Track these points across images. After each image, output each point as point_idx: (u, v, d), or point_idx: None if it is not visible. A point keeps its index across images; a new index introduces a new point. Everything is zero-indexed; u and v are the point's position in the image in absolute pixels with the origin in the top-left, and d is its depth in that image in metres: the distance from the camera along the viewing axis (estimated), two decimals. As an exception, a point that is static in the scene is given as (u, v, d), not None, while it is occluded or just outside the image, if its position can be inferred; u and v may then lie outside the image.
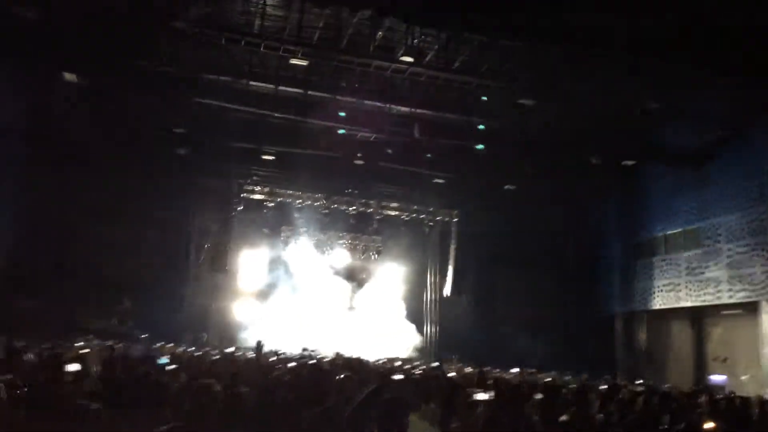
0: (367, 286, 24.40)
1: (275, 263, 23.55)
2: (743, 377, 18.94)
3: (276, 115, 17.96)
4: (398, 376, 9.11)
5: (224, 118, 18.70)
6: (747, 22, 14.22)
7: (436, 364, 15.36)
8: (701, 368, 20.21)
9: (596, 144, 19.21)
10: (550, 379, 13.10)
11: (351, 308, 24.12)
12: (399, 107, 17.61)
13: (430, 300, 24.54)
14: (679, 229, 20.30)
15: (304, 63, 15.87)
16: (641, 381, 15.81)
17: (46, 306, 18.74)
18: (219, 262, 22.01)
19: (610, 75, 15.71)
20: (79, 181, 19.06)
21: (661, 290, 20.77)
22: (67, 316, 18.68)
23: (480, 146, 18.47)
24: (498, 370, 15.84)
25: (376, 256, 24.47)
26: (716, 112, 17.81)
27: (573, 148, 19.38)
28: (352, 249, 24.56)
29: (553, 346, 21.04)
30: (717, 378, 19.84)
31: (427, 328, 24.23)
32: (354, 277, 24.38)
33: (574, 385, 9.79)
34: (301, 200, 23.27)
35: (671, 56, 14.93)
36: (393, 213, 24.05)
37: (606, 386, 10.27)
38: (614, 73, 15.74)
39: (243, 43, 15.66)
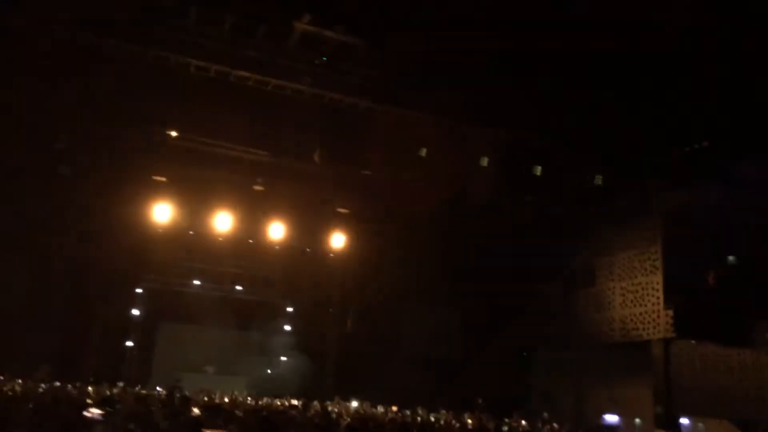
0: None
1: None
2: (636, 419, 18.99)
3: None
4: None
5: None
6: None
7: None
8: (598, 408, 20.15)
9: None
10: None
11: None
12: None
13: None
14: (578, 266, 20.33)
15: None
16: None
17: None
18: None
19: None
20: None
21: (558, 329, 20.65)
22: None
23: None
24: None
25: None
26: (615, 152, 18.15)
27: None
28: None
29: (453, 383, 20.48)
30: (610, 419, 19.82)
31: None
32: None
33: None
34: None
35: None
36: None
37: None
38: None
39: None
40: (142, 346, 22.61)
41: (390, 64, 14.97)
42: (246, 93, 15.41)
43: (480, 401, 11.46)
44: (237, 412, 9.13)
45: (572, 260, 20.50)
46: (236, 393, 17.48)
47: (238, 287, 23.91)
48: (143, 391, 15.90)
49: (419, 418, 13.48)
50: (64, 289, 19.92)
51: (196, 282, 23.32)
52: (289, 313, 24.57)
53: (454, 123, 17.10)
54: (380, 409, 16.31)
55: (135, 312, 22.80)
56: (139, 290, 22.89)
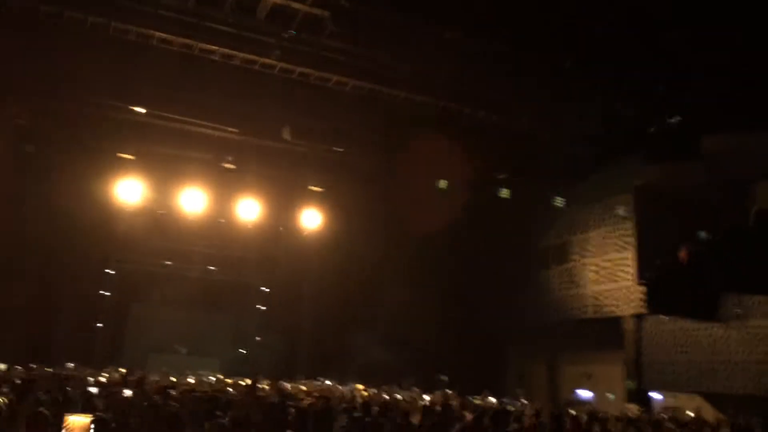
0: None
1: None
2: (608, 394, 19.09)
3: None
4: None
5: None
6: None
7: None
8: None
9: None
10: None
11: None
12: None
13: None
14: (551, 244, 20.29)
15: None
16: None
17: None
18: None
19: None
20: None
21: (529, 308, 20.67)
22: None
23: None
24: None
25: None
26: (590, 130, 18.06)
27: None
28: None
29: (425, 363, 20.46)
30: (583, 394, 19.93)
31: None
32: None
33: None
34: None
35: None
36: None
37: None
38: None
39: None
40: (112, 327, 22.31)
41: (361, 36, 14.63)
42: (212, 67, 15.01)
43: (443, 378, 11.27)
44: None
45: (546, 238, 20.46)
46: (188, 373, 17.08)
47: (211, 267, 23.64)
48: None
49: (384, 396, 13.34)
50: (31, 269, 19.47)
51: (168, 262, 22.99)
52: (263, 293, 24.39)
53: (428, 99, 16.82)
54: (344, 387, 16.20)
55: (105, 293, 22.47)
56: (109, 271, 22.56)
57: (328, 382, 17.20)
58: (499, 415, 7.41)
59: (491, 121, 17.77)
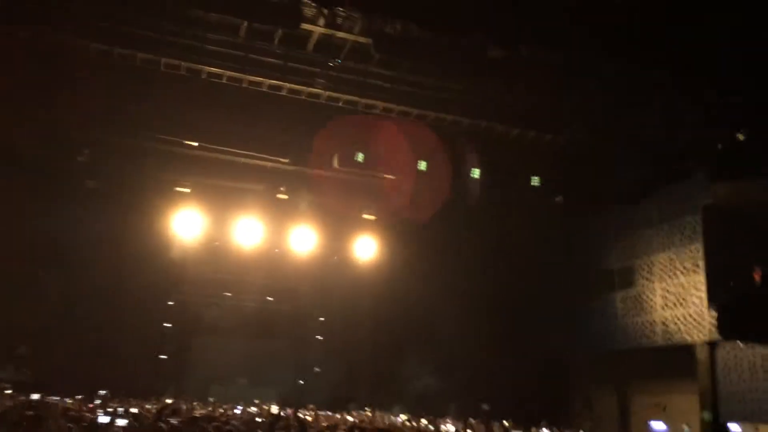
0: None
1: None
2: (684, 426, 17.93)
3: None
4: None
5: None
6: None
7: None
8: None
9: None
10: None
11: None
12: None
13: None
14: (615, 268, 19.38)
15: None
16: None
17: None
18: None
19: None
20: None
21: (594, 334, 19.73)
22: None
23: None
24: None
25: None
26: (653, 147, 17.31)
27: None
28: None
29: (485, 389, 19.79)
30: (657, 426, 18.80)
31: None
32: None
33: None
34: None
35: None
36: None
37: None
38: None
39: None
40: (174, 359, 22.58)
41: (406, 61, 14.48)
42: (260, 99, 15.12)
43: (484, 407, 10.61)
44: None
45: (610, 261, 19.55)
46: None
47: (269, 298, 23.71)
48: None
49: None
50: (94, 303, 19.95)
51: (227, 294, 23.20)
52: (321, 322, 24.26)
53: (481, 124, 16.46)
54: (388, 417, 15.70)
55: (167, 324, 22.83)
56: (171, 303, 22.93)
57: (368, 412, 16.79)
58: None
59: (544, 141, 17.25)
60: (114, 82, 15.72)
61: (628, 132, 16.66)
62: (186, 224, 19.24)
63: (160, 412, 9.39)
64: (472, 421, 13.80)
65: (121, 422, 6.20)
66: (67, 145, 17.44)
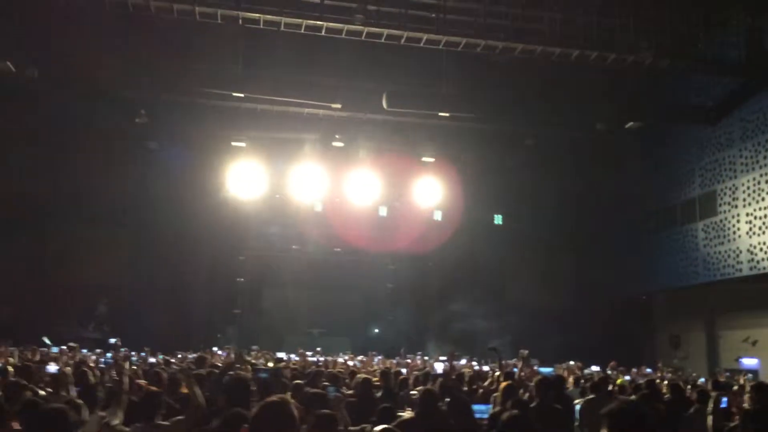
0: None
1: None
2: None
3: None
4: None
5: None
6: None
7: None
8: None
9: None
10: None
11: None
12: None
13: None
14: (696, 195, 17.97)
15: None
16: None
17: (20, 312, 18.08)
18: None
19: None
20: (44, 176, 18.18)
21: (673, 266, 18.50)
22: (42, 322, 17.83)
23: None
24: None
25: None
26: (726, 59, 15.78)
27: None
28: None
29: (562, 332, 19.01)
30: (748, 362, 17.57)
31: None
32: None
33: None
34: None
35: None
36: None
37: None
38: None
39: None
40: (248, 312, 23.06)
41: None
42: (299, 42, 14.65)
43: (495, 347, 9.75)
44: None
45: (688, 189, 18.17)
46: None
47: (337, 249, 23.69)
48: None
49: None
50: (165, 261, 20.50)
51: (294, 247, 23.35)
52: (391, 270, 24.10)
53: (536, 47, 15.31)
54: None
55: (239, 279, 23.29)
56: (241, 258, 23.32)
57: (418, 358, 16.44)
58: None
59: (619, 62, 15.90)
60: (161, 39, 15.72)
61: (703, 44, 15.16)
62: (245, 179, 19.26)
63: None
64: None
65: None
66: (125, 107, 17.68)
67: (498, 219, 20.80)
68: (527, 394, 6.19)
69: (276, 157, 19.23)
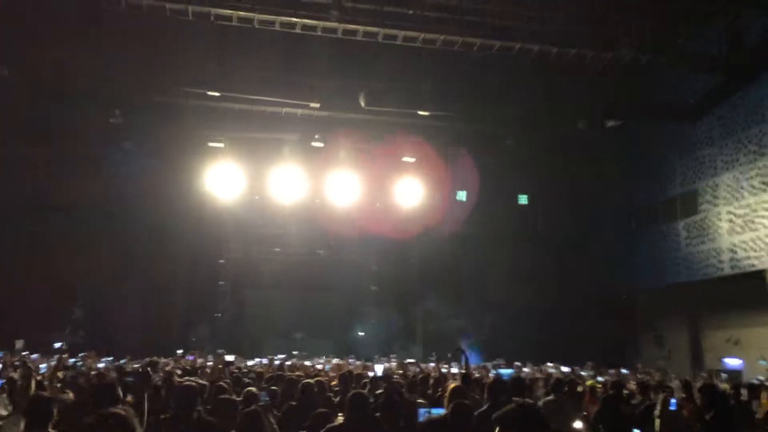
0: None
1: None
2: (761, 361, 16.54)
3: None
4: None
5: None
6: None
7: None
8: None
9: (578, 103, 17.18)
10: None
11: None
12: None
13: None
14: (677, 193, 17.85)
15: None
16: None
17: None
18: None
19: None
20: (16, 177, 17.82)
21: (655, 265, 18.37)
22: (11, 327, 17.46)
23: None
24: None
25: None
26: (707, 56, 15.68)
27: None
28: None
29: (545, 332, 18.85)
30: (731, 362, 17.44)
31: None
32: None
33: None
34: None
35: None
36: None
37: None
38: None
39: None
40: (230, 315, 22.77)
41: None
42: (275, 39, 14.42)
43: (460, 348, 9.39)
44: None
45: (669, 187, 18.05)
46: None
47: (319, 251, 23.45)
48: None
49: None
50: (144, 265, 20.17)
51: (276, 249, 23.08)
52: (374, 272, 23.85)
53: (514, 47, 15.14)
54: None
55: (220, 282, 23.00)
56: (222, 261, 23.02)
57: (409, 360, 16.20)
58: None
59: (598, 59, 15.71)
60: (135, 37, 15.44)
61: (684, 40, 15.04)
62: (224, 180, 18.96)
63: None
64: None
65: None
66: (98, 106, 17.36)
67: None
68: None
69: (255, 158, 18.95)
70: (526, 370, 13.60)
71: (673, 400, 6.03)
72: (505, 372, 10.75)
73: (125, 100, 17.30)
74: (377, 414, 4.47)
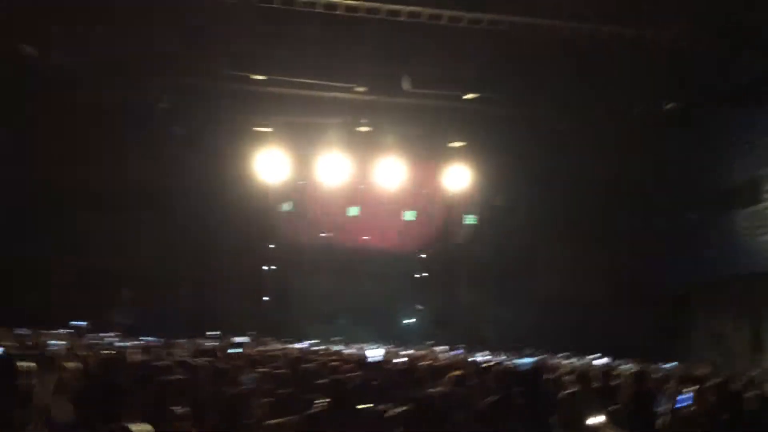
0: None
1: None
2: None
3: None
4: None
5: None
6: None
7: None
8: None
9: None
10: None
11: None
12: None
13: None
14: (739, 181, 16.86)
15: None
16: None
17: (47, 298, 18.24)
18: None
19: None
20: (67, 164, 18.20)
21: (714, 257, 17.44)
22: (67, 309, 17.92)
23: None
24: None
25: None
26: None
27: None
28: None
29: (595, 327, 18.19)
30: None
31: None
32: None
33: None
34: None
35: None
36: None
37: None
38: None
39: None
40: (277, 300, 22.88)
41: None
42: (316, 21, 14.18)
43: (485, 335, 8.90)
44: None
45: (729, 175, 17.07)
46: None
47: (365, 237, 23.31)
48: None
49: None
50: (193, 248, 20.41)
51: (322, 233, 23.04)
52: (421, 260, 23.59)
53: (566, 24, 14.49)
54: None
55: (269, 267, 23.14)
56: (271, 245, 23.15)
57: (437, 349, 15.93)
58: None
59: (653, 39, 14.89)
60: (184, 22, 15.46)
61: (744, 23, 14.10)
62: (271, 165, 19.03)
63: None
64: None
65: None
66: (148, 91, 17.55)
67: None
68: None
69: (301, 143, 18.93)
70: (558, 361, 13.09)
71: (683, 396, 5.54)
72: (523, 362, 10.26)
73: (171, 85, 17.47)
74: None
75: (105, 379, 4.80)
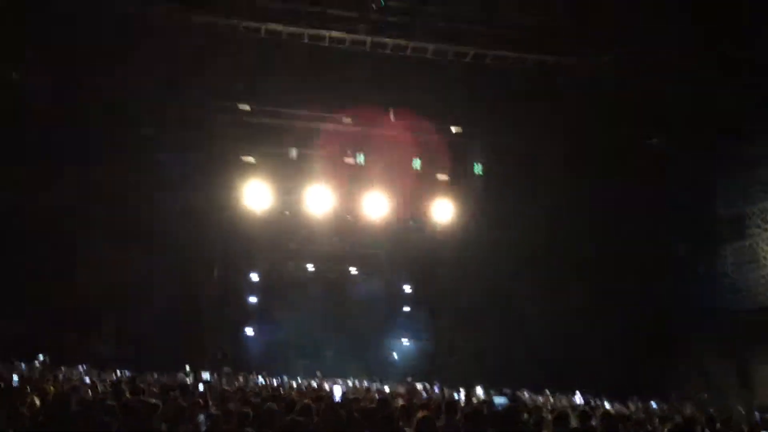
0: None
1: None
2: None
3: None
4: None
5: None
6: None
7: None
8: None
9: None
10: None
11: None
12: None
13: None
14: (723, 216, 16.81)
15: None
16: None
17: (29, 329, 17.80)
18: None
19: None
20: (50, 190, 17.93)
21: (700, 291, 17.31)
22: (52, 339, 17.51)
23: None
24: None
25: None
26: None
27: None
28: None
29: (582, 362, 17.93)
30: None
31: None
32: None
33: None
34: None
35: None
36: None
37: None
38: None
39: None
40: (260, 333, 22.54)
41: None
42: (304, 53, 14.20)
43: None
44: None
45: (715, 210, 17.01)
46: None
47: (352, 269, 23.09)
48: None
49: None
50: (174, 278, 20.06)
51: (309, 266, 22.83)
52: (407, 294, 23.35)
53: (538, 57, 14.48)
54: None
55: (251, 299, 22.84)
56: (253, 276, 22.88)
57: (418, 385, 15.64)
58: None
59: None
60: (171, 50, 15.42)
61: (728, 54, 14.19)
62: (255, 195, 18.81)
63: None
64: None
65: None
66: (131, 118, 17.39)
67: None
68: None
69: (285, 173, 18.76)
70: (536, 398, 12.80)
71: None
72: (498, 400, 9.98)
73: (157, 113, 17.35)
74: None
75: (59, 413, 4.60)
